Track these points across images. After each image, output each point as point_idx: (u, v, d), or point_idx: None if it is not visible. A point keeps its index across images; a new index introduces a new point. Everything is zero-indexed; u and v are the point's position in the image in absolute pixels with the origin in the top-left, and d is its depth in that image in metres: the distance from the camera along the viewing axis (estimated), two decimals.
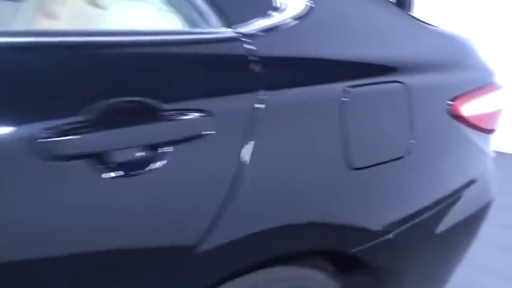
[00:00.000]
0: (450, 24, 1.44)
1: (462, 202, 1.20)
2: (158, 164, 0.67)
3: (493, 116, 1.28)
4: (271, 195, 0.81)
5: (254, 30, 0.80)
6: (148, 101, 0.67)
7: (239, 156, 0.75)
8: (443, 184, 1.15)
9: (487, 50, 1.42)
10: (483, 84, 1.24)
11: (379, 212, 1.00)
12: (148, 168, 0.66)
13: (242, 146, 0.75)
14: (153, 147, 0.67)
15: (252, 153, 0.76)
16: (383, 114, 0.97)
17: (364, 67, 0.95)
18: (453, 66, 1.17)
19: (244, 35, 0.79)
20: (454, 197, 1.18)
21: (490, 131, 1.29)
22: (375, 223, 0.98)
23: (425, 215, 1.10)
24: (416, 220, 1.08)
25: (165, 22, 0.83)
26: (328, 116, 0.87)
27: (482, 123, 1.23)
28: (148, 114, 0.67)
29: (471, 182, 1.24)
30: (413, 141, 1.01)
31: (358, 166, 0.92)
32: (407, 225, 1.06)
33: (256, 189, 0.78)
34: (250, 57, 0.77)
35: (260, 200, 0.79)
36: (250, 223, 0.79)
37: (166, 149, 0.68)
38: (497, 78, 1.31)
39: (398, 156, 0.99)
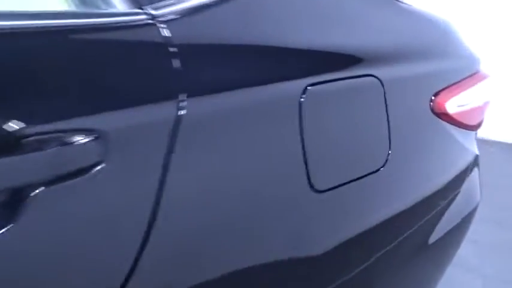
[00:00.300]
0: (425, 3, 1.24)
1: (448, 212, 1.05)
2: (17, 220, 0.44)
3: (481, 110, 1.10)
4: (203, 239, 0.59)
5: (171, 11, 0.57)
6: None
7: (152, 193, 0.53)
8: (428, 194, 0.96)
9: (469, 33, 1.24)
10: (469, 74, 1.05)
11: (353, 239, 0.79)
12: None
13: (155, 177, 0.53)
14: (8, 193, 0.44)
15: (172, 186, 0.54)
16: (354, 118, 0.76)
17: (328, 59, 0.73)
18: (434, 54, 0.98)
19: (159, 18, 0.56)
20: (440, 207, 1.02)
21: (476, 127, 1.12)
22: (347, 254, 0.78)
23: (406, 234, 0.92)
24: (400, 239, 0.90)
25: (48, 1, 0.59)
26: (282, 125, 0.66)
27: (469, 119, 1.05)
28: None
29: (458, 187, 1.08)
30: (392, 151, 0.81)
31: (325, 187, 0.71)
32: (391, 246, 0.87)
33: (179, 234, 0.56)
34: (168, 49, 0.55)
35: (187, 250, 0.57)
36: (176, 283, 0.57)
37: (30, 195, 0.45)
38: (483, 66, 1.13)
39: (375, 169, 0.79)
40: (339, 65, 0.74)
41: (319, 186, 0.69)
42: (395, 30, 0.90)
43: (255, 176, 0.62)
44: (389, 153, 0.80)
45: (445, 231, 1.03)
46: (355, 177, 0.75)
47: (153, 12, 0.56)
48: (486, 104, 1.12)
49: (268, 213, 0.64)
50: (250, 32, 0.63)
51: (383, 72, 0.80)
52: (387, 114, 0.80)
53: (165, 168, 0.53)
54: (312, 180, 0.68)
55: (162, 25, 0.55)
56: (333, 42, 0.75)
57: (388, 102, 0.80)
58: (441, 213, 1.02)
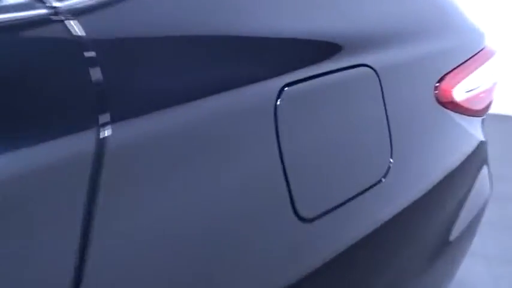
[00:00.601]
0: None
1: (465, 206, 0.92)
2: None
3: (489, 92, 0.96)
4: None
5: (81, 1, 0.41)
6: None
7: (71, 256, 0.37)
8: (438, 193, 0.82)
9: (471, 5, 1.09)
10: (474, 52, 0.90)
11: (357, 262, 0.65)
12: None
13: (73, 234, 0.37)
14: None
15: (96, 240, 0.39)
16: (347, 121, 0.60)
17: (308, 49, 0.57)
18: (434, 32, 0.82)
19: (65, 11, 0.40)
20: (454, 206, 0.89)
21: (485, 111, 0.98)
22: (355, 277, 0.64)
23: (423, 236, 0.79)
24: (418, 240, 0.78)
25: None
26: (251, 140, 0.50)
27: (478, 105, 0.91)
28: None
29: (471, 180, 0.95)
30: (394, 155, 0.66)
31: (315, 214, 0.55)
32: (409, 252, 0.75)
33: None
34: (82, 53, 0.39)
35: None
36: None
37: None
38: (489, 42, 0.98)
39: (376, 180, 0.64)
40: (322, 56, 0.58)
41: (306, 213, 0.54)
42: (386, 9, 0.74)
43: (216, 213, 0.47)
44: (391, 159, 0.65)
45: (465, 225, 0.92)
46: (353, 194, 0.60)
47: (56, 4, 0.40)
48: (494, 85, 0.98)
49: (238, 259, 0.49)
50: (199, 21, 0.47)
51: (377, 59, 0.64)
52: (386, 111, 0.65)
53: (86, 222, 0.38)
54: (298, 207, 0.53)
55: (70, 20, 0.39)
56: (313, 28, 0.59)
57: (385, 96, 0.65)
58: (457, 210, 0.90)
